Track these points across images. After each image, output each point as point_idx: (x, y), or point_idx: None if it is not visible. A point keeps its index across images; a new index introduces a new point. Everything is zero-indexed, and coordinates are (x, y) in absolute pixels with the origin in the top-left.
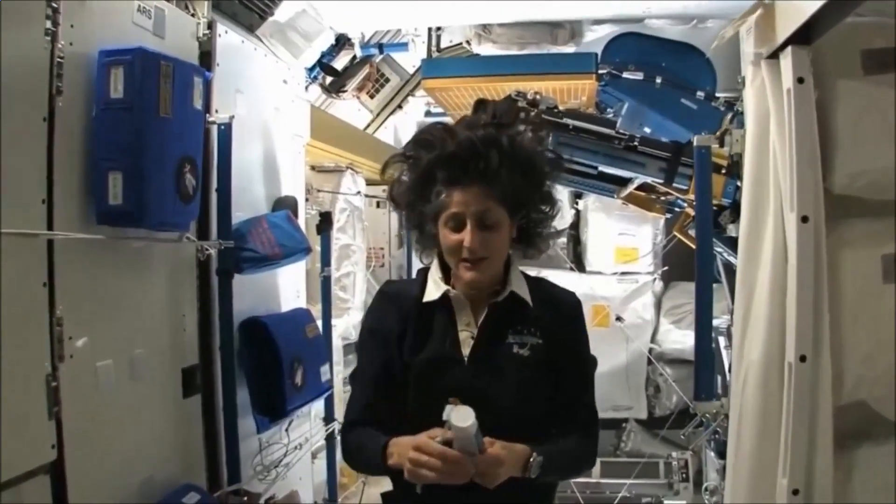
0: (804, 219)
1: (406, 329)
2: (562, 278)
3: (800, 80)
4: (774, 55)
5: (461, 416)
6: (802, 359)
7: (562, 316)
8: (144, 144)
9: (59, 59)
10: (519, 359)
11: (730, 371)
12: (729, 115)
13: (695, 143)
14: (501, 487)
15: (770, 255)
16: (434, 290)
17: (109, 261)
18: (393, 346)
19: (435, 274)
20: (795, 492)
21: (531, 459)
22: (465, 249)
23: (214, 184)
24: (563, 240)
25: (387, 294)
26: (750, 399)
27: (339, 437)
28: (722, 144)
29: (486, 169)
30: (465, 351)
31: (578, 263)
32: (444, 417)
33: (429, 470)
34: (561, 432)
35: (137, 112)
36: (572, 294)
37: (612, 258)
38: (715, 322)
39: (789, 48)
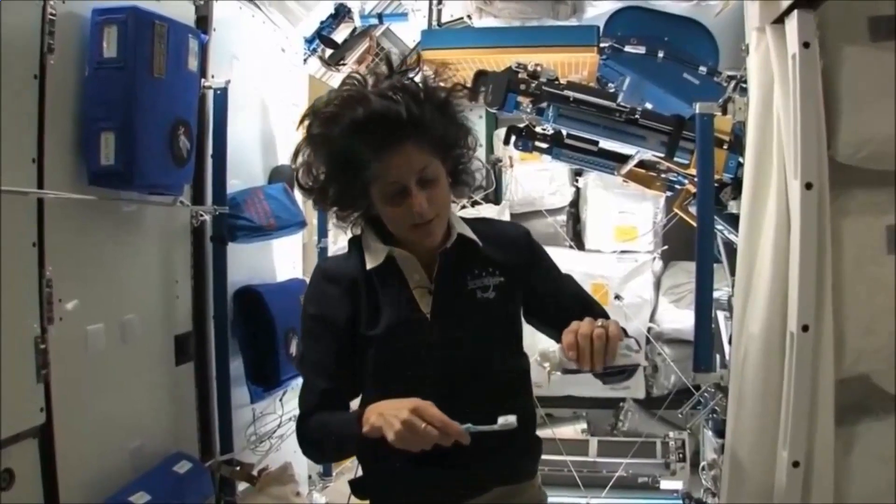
0: (808, 186)
1: (356, 307)
2: (560, 256)
3: (805, 45)
4: (780, 20)
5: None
6: (805, 328)
7: (515, 247)
8: (137, 104)
9: (50, 17)
10: (485, 304)
11: (730, 343)
12: (732, 84)
13: (697, 111)
14: (487, 465)
15: (773, 224)
16: (375, 255)
17: (101, 223)
18: (343, 332)
19: (370, 239)
20: (796, 464)
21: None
22: (416, 215)
23: (210, 149)
24: (562, 217)
25: (325, 273)
26: (750, 371)
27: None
28: (725, 112)
29: (410, 121)
30: (426, 308)
31: (577, 241)
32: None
33: (423, 437)
34: None
35: (130, 71)
36: (518, 224)
37: (611, 236)
38: (715, 294)
39: (795, 12)
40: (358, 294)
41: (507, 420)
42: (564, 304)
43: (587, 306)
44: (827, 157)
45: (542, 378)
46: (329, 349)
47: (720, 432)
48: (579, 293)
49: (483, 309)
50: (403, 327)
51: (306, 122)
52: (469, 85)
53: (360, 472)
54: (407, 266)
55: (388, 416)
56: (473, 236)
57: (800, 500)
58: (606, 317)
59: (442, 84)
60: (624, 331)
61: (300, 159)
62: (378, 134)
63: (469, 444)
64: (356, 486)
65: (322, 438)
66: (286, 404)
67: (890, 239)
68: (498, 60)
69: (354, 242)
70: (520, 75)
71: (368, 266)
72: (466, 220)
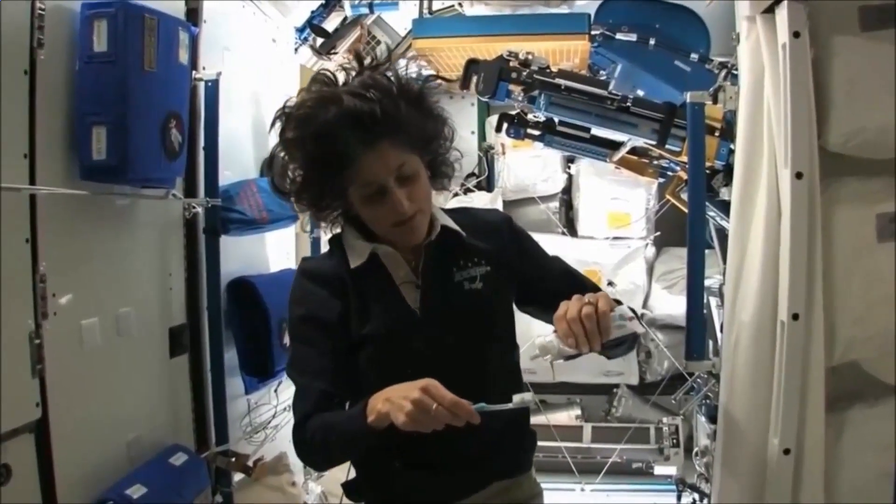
0: (798, 175)
1: (346, 306)
2: (553, 242)
3: (796, 35)
4: (770, 10)
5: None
6: (795, 317)
7: (498, 235)
8: (129, 99)
9: (39, 12)
10: (473, 294)
11: (721, 330)
12: (723, 73)
13: (688, 100)
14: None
15: (763, 214)
16: (358, 254)
17: (94, 217)
18: (335, 331)
19: (351, 238)
20: (787, 451)
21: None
22: (398, 214)
23: (202, 142)
24: (554, 204)
25: (309, 274)
26: (742, 359)
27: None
28: (716, 101)
29: (384, 118)
30: (414, 303)
31: (570, 228)
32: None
33: (434, 417)
34: None
35: (121, 66)
36: (497, 211)
37: (604, 223)
38: (707, 282)
39: (785, 2)
40: (346, 294)
41: (524, 398)
42: (555, 286)
43: (577, 284)
44: (817, 146)
45: (546, 370)
46: (323, 350)
47: (713, 418)
48: (568, 272)
49: (472, 300)
50: (394, 324)
51: (278, 126)
52: (448, 73)
53: (352, 474)
54: (391, 262)
55: (396, 399)
56: (457, 227)
57: (790, 486)
58: (598, 290)
59: (425, 69)
60: (616, 300)
61: (275, 162)
62: (352, 133)
63: (467, 441)
64: (350, 489)
65: (325, 439)
66: (281, 394)
67: (881, 227)
68: (489, 48)
69: (335, 241)
70: (511, 63)
71: (352, 265)
72: (446, 212)
